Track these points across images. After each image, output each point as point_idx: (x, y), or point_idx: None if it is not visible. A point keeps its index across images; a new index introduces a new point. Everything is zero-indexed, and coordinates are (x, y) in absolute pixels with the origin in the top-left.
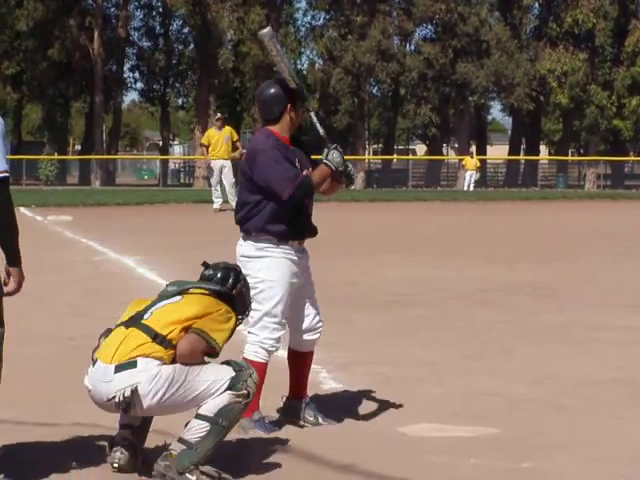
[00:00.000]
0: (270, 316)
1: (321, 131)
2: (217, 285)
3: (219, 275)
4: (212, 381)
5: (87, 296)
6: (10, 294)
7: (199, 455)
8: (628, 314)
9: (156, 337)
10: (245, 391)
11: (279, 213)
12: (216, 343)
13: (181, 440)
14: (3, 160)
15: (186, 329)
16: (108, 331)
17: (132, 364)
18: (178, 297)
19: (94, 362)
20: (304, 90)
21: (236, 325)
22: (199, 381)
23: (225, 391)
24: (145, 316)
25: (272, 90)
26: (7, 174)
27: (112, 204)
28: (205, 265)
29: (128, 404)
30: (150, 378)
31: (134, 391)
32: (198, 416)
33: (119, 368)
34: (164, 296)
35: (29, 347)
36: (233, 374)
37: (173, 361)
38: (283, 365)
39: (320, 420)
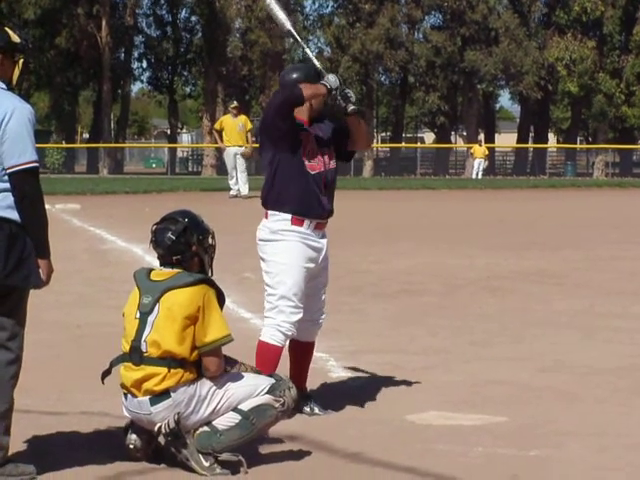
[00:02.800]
0: (285, 299)
1: (317, 64)
2: (182, 270)
3: (169, 247)
4: (253, 385)
5: (95, 285)
6: (38, 287)
7: (220, 443)
8: (639, 302)
9: (170, 365)
10: (282, 399)
11: (285, 185)
12: (224, 337)
13: (209, 424)
14: (33, 150)
15: (191, 344)
16: (117, 359)
17: (165, 396)
18: (156, 308)
19: (125, 394)
20: (297, 36)
21: (219, 291)
22: (240, 386)
23: (265, 394)
24: (142, 348)
25: (294, 75)
26: (37, 164)
27: (120, 192)
28: (153, 244)
29: (175, 434)
30: (188, 400)
31: (177, 421)
32: (234, 409)
33: (154, 400)
34: (144, 312)
35: (37, 335)
36: (273, 381)
37: (198, 366)
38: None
39: (316, 410)
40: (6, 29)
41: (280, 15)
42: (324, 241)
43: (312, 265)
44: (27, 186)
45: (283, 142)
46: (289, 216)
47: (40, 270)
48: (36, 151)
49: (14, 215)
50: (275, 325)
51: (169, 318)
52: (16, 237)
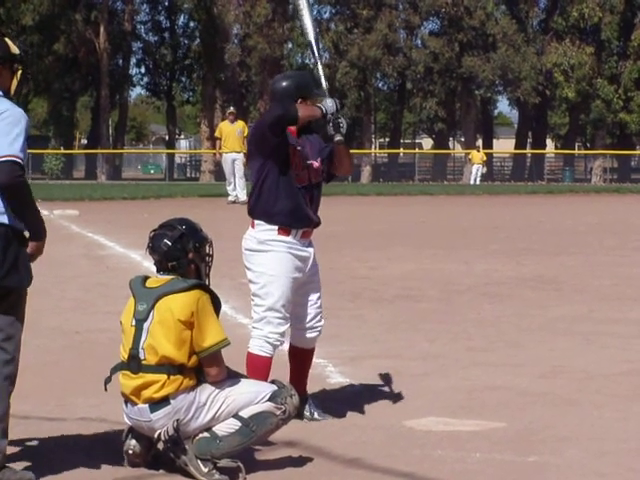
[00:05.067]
0: (273, 311)
1: (324, 84)
2: (178, 277)
3: (166, 253)
4: (255, 392)
5: (93, 290)
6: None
7: (220, 449)
8: (636, 307)
9: (169, 372)
10: (283, 407)
11: (273, 197)
12: (221, 342)
13: (208, 430)
14: (17, 148)
15: (189, 350)
16: (116, 367)
17: (165, 403)
18: (151, 315)
19: (125, 402)
20: (319, 44)
21: (213, 296)
22: (241, 393)
23: (266, 401)
24: (140, 355)
25: (284, 83)
26: (16, 159)
27: (118, 198)
28: (150, 250)
29: (175, 441)
30: (188, 406)
31: (176, 428)
32: (234, 416)
33: (154, 407)
34: (140, 319)
35: (36, 340)
36: (275, 388)
37: (198, 372)
38: (285, 359)
39: (316, 415)
40: (6, 40)
41: (308, 24)
42: (311, 249)
43: (299, 274)
44: (5, 176)
45: (272, 155)
46: (276, 226)
47: (28, 248)
48: (22, 152)
49: (9, 220)
50: (263, 336)
51: (164, 324)
52: (12, 239)
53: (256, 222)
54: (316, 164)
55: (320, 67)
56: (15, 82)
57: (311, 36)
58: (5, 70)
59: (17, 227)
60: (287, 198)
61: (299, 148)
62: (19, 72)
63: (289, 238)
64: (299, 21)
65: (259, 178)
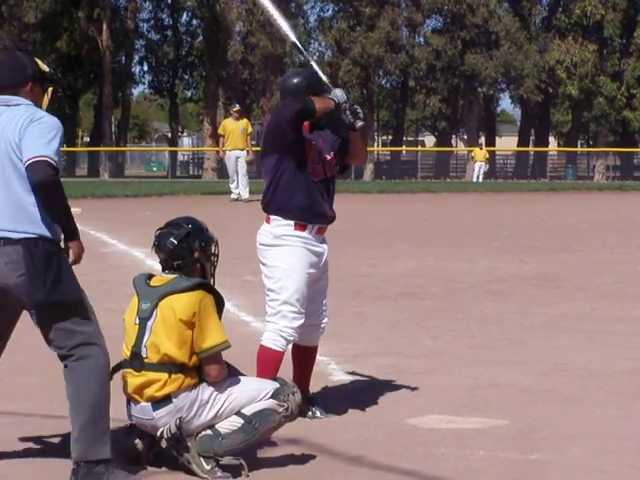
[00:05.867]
0: (288, 305)
1: (324, 78)
2: (181, 275)
3: (171, 251)
4: (257, 389)
5: (95, 288)
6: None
7: (222, 446)
8: (639, 305)
9: (171, 371)
10: (286, 404)
11: (289, 192)
12: (221, 344)
13: (211, 427)
14: (51, 150)
15: (190, 350)
16: (120, 365)
17: (167, 401)
18: (154, 314)
19: (128, 400)
20: (302, 44)
21: (217, 296)
22: (244, 390)
23: (269, 399)
24: (143, 353)
25: (295, 80)
26: (49, 160)
27: (121, 196)
28: (156, 248)
29: (177, 439)
30: (190, 405)
31: (179, 426)
32: (237, 413)
33: (156, 406)
34: (143, 318)
35: (39, 339)
36: (278, 386)
37: (199, 370)
38: (287, 357)
39: (318, 414)
40: (36, 59)
41: (284, 26)
42: (325, 246)
43: (314, 270)
44: (39, 175)
45: (289, 150)
46: (292, 221)
47: (70, 251)
48: (56, 155)
49: (47, 231)
50: (277, 330)
51: (166, 323)
52: (52, 253)
53: (272, 217)
54: (330, 157)
55: (314, 63)
56: (46, 100)
57: (292, 36)
58: (37, 88)
59: (55, 238)
60: (303, 193)
61: (314, 142)
62: (50, 89)
63: (305, 234)
64: (275, 25)
65: (275, 174)
